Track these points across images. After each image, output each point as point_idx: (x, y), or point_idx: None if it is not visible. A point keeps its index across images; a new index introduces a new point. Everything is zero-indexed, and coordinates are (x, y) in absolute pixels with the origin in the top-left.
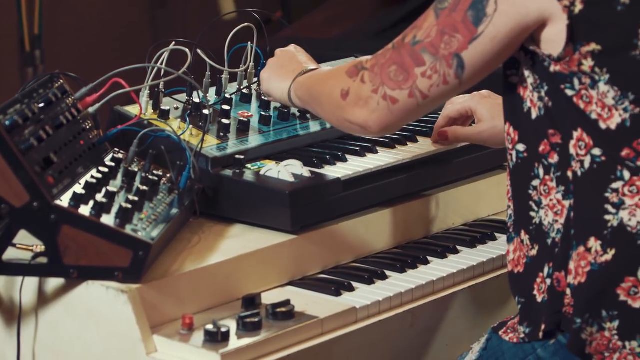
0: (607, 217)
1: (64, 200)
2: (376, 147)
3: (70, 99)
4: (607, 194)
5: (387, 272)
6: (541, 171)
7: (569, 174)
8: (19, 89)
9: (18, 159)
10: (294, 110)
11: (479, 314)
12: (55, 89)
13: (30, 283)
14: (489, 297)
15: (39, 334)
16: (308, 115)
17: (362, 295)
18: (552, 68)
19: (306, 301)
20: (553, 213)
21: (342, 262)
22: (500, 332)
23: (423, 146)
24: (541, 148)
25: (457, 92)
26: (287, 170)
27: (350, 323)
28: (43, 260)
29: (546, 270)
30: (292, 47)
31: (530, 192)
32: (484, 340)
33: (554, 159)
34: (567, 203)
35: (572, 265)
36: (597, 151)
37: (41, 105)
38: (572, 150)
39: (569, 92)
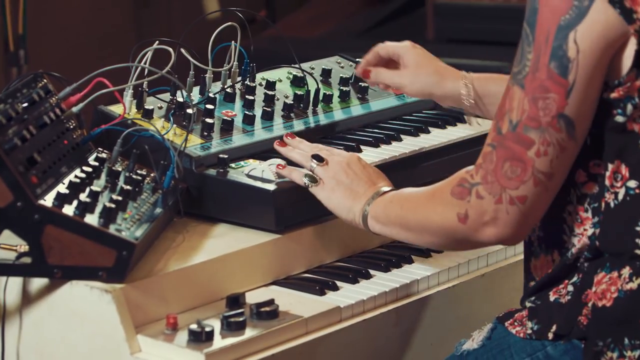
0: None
1: (48, 200)
2: (360, 146)
3: (53, 99)
4: (638, 228)
5: (372, 272)
6: (574, 199)
7: (603, 204)
8: (2, 88)
9: (1, 158)
10: (277, 109)
11: (463, 313)
12: (38, 88)
13: (14, 283)
14: (473, 297)
15: (23, 334)
16: (292, 115)
17: (347, 294)
18: (607, 95)
19: (290, 300)
20: (586, 238)
21: (326, 262)
22: (507, 323)
23: (407, 145)
24: (577, 177)
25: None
26: (271, 170)
27: (334, 322)
28: (27, 260)
29: (572, 279)
30: (354, 158)
31: (565, 215)
32: (487, 329)
33: (593, 189)
34: (591, 230)
35: (602, 287)
36: (632, 183)
37: (25, 105)
38: (607, 182)
39: (620, 119)
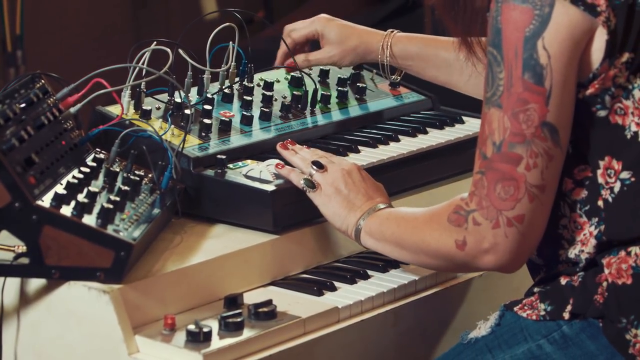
0: None
1: (46, 201)
2: (358, 146)
3: (51, 99)
4: None
5: (370, 272)
6: (567, 209)
7: (600, 203)
8: (0, 89)
9: None
10: (275, 110)
11: (461, 314)
12: (36, 89)
13: (12, 284)
14: (471, 297)
15: (20, 335)
16: (290, 115)
17: (345, 295)
18: (582, 94)
19: (288, 301)
20: (592, 238)
21: (324, 262)
22: (516, 309)
23: (405, 146)
24: (564, 186)
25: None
26: (269, 170)
27: (332, 323)
28: (25, 260)
29: (583, 271)
30: (355, 168)
31: (560, 231)
32: (495, 317)
33: (581, 194)
34: (595, 230)
35: (614, 267)
36: (625, 174)
37: (22, 105)
38: (600, 180)
39: (602, 113)
